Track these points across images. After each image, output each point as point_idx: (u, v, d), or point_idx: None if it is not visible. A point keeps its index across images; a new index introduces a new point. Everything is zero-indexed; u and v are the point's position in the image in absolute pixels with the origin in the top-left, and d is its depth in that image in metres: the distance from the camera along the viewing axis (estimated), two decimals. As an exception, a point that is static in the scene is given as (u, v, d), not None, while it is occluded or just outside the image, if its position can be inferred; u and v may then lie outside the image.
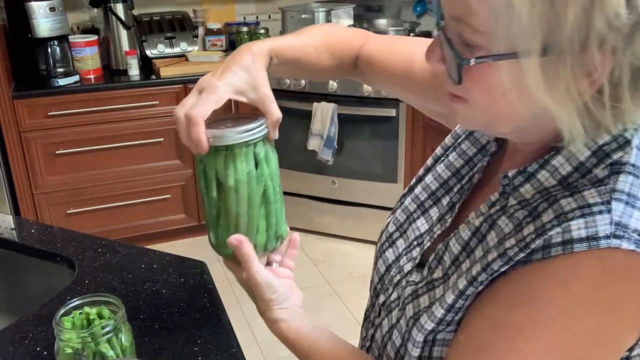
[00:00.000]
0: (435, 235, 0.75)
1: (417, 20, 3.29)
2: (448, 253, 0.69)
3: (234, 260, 0.75)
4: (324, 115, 2.89)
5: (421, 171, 0.85)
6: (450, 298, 0.63)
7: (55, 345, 0.79)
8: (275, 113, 0.71)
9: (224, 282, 2.79)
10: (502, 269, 0.59)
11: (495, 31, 0.52)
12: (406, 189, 0.86)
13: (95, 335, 0.78)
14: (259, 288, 0.73)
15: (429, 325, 0.65)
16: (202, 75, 0.71)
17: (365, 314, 0.87)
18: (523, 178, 0.62)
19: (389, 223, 0.84)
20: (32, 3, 2.70)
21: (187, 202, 3.11)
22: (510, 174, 0.63)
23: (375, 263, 0.83)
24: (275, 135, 0.72)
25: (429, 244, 0.75)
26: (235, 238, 0.71)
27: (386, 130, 2.88)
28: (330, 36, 0.87)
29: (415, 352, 0.67)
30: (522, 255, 0.57)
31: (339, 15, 3.11)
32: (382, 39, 0.91)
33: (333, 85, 2.87)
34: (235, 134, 0.68)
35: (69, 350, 0.78)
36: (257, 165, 0.70)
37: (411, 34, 3.14)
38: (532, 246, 0.56)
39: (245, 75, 0.70)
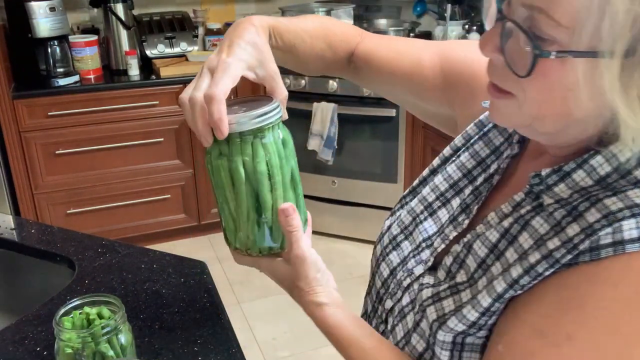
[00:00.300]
0: (451, 237, 0.72)
1: (417, 20, 3.29)
2: (472, 256, 0.66)
3: (268, 255, 0.71)
4: (324, 115, 2.89)
5: (425, 172, 0.83)
6: (486, 301, 0.61)
7: (55, 345, 0.79)
8: (284, 90, 0.68)
9: (224, 282, 2.79)
10: (547, 273, 0.57)
11: (581, 27, 0.50)
12: (407, 190, 0.83)
13: (95, 335, 0.78)
14: (305, 264, 0.68)
15: (460, 327, 0.63)
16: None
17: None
18: (558, 177, 0.60)
19: (391, 225, 0.81)
20: (32, 3, 2.70)
21: (187, 202, 3.10)
22: (543, 173, 0.61)
23: (377, 267, 0.80)
24: (286, 114, 0.69)
25: (443, 245, 0.73)
26: (288, 206, 0.67)
27: (386, 130, 2.88)
28: (327, 26, 0.85)
29: (445, 356, 0.65)
30: (569, 257, 0.56)
31: (339, 15, 3.12)
32: (380, 38, 0.90)
33: (333, 85, 2.87)
34: (258, 117, 0.64)
35: (69, 350, 0.78)
36: (283, 146, 0.68)
37: (411, 34, 3.14)
38: (581, 247, 0.55)
39: (252, 50, 0.67)
